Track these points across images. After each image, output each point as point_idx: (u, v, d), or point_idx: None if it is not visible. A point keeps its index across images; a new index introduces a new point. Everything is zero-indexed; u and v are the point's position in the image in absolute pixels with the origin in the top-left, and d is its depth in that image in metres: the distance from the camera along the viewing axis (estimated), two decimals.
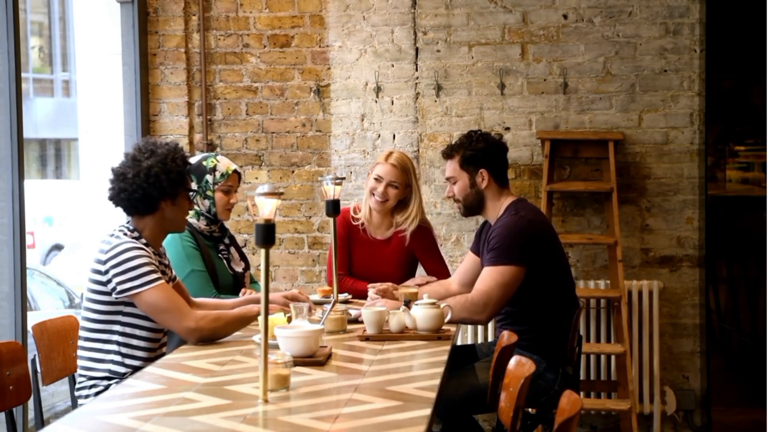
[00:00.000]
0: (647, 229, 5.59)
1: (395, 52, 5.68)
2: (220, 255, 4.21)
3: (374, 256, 4.51)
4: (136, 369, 3.37)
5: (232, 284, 4.19)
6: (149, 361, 3.37)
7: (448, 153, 4.00)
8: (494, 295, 3.75)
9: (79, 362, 3.49)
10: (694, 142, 5.56)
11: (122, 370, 3.43)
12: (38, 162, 19.21)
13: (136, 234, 3.49)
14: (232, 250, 4.30)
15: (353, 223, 4.54)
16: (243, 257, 4.35)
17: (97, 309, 3.45)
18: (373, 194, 4.46)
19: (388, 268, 4.47)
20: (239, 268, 4.27)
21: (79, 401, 3.47)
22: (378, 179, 4.46)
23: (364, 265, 4.51)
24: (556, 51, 5.60)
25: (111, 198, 3.53)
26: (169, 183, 3.47)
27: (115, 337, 3.45)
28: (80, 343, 3.50)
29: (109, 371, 3.44)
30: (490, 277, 3.78)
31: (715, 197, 7.29)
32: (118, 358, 3.45)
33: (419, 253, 4.55)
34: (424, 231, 4.55)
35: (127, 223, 3.54)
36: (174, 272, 3.72)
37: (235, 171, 4.20)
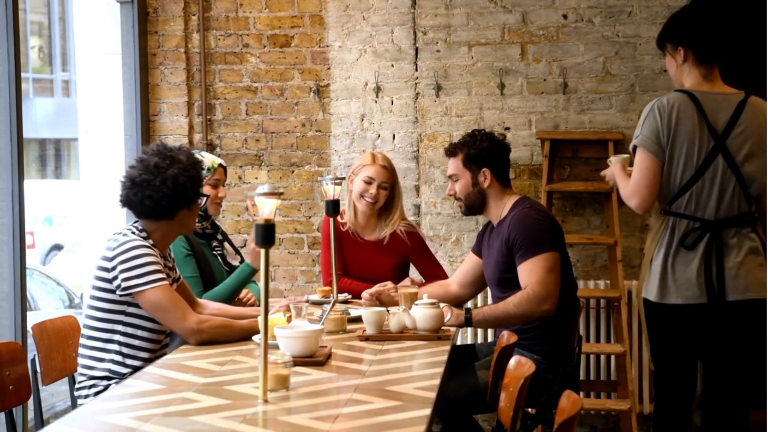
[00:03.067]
0: (647, 229, 5.57)
1: (395, 52, 5.68)
2: (214, 252, 4.24)
3: (367, 258, 4.52)
4: (136, 369, 3.37)
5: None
6: (150, 362, 3.37)
7: (452, 150, 4.00)
8: (550, 281, 3.75)
9: (80, 360, 3.50)
10: None
11: (123, 370, 3.44)
12: (38, 162, 19.21)
13: (144, 234, 3.51)
14: (226, 245, 4.34)
15: (341, 228, 4.55)
16: (237, 251, 4.40)
17: (100, 307, 3.46)
18: (363, 197, 4.47)
19: (381, 268, 4.48)
20: (235, 262, 4.32)
21: (79, 401, 3.47)
22: (368, 181, 4.47)
23: (358, 267, 4.52)
24: (555, 51, 5.60)
25: (130, 203, 3.52)
26: (192, 191, 3.52)
27: (117, 337, 3.46)
28: (82, 341, 3.51)
29: (110, 371, 3.45)
30: (537, 266, 3.76)
31: None
32: (119, 357, 3.45)
33: (415, 258, 4.57)
34: (416, 236, 4.57)
35: (136, 222, 3.55)
36: (178, 272, 3.74)
37: (220, 165, 4.26)
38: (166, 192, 3.47)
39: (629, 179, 3.66)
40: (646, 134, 3.61)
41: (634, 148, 3.64)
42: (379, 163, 4.49)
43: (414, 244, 4.54)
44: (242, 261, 4.35)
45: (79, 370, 3.51)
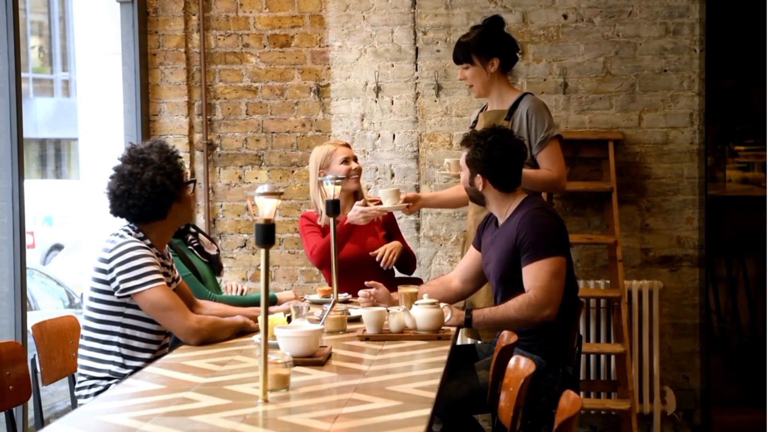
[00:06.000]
0: (647, 229, 5.59)
1: (395, 52, 5.68)
2: (190, 246, 4.26)
3: (354, 237, 4.58)
4: (137, 370, 3.37)
5: (209, 274, 4.24)
6: (150, 362, 3.38)
7: (462, 141, 3.98)
8: (554, 287, 3.72)
9: (80, 362, 3.50)
10: (693, 142, 5.56)
11: (123, 371, 3.44)
12: (38, 162, 19.20)
13: (141, 235, 3.51)
14: (201, 236, 4.37)
15: (318, 223, 4.62)
16: (213, 240, 4.48)
17: (99, 309, 3.46)
18: (349, 176, 4.57)
19: (369, 237, 4.56)
20: (213, 251, 4.37)
21: (79, 401, 3.47)
22: (345, 161, 4.59)
23: (347, 248, 4.52)
24: (556, 51, 5.60)
25: (119, 214, 3.53)
26: (174, 186, 3.51)
27: (116, 338, 3.46)
28: (81, 342, 3.51)
29: (110, 372, 3.45)
30: (542, 270, 3.73)
31: (715, 197, 7.29)
32: (119, 359, 3.45)
33: (394, 233, 4.74)
34: (392, 214, 4.75)
35: (131, 223, 3.55)
36: (177, 272, 3.74)
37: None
38: (147, 197, 3.47)
39: (537, 169, 4.30)
40: (556, 128, 4.41)
41: (553, 138, 4.34)
42: (340, 144, 4.66)
43: (390, 217, 4.73)
44: (218, 249, 4.44)
45: (79, 370, 3.51)
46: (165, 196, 3.50)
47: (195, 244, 4.30)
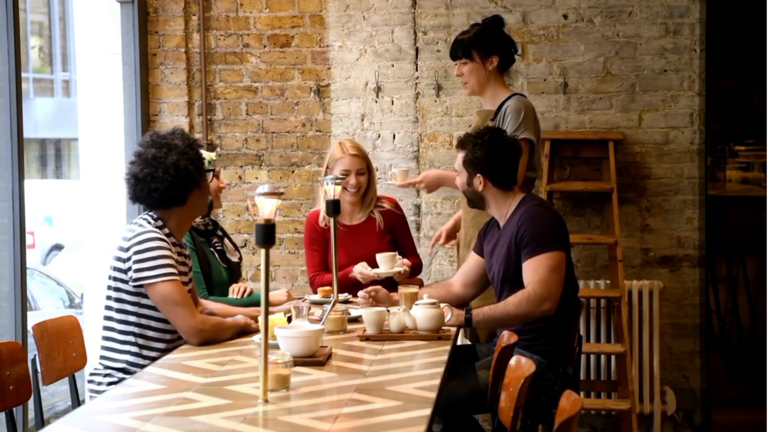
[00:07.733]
0: (647, 229, 5.59)
1: (395, 52, 5.68)
2: (212, 249, 4.25)
3: (354, 242, 4.54)
4: (153, 360, 3.39)
5: (226, 279, 4.22)
6: (166, 352, 3.40)
7: (458, 145, 3.98)
8: (552, 281, 3.72)
9: (100, 351, 3.54)
10: (694, 142, 5.56)
11: (141, 361, 3.45)
12: (38, 162, 19.20)
13: (160, 223, 3.52)
14: (226, 241, 4.35)
15: (319, 226, 4.59)
16: (237, 248, 4.44)
17: (117, 297, 3.49)
18: (346, 189, 4.50)
19: (370, 247, 4.51)
20: (235, 258, 4.34)
21: (90, 386, 3.49)
22: (345, 173, 4.51)
23: (347, 254, 4.50)
24: (556, 51, 5.60)
25: (139, 199, 3.53)
26: (196, 171, 3.53)
27: (131, 328, 3.48)
28: (102, 332, 3.53)
29: (128, 362, 3.47)
30: (541, 265, 3.73)
31: (715, 197, 7.29)
32: (135, 349, 3.48)
33: (399, 237, 4.66)
34: (401, 217, 4.70)
35: (151, 211, 3.56)
36: (191, 264, 3.74)
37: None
38: (170, 181, 3.48)
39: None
40: (531, 131, 4.27)
41: (525, 141, 4.19)
42: (349, 153, 4.54)
43: (399, 224, 4.67)
44: (241, 258, 4.38)
45: (99, 360, 3.54)
46: (188, 181, 3.52)
47: (218, 248, 4.28)
